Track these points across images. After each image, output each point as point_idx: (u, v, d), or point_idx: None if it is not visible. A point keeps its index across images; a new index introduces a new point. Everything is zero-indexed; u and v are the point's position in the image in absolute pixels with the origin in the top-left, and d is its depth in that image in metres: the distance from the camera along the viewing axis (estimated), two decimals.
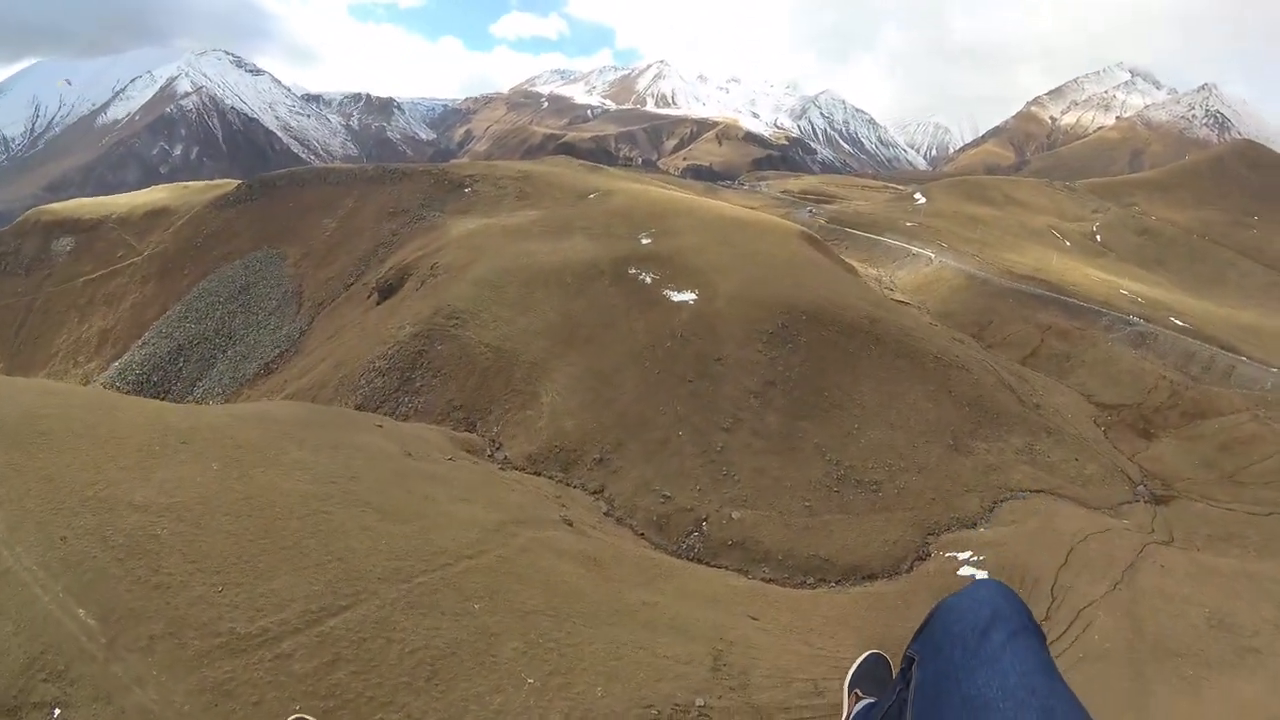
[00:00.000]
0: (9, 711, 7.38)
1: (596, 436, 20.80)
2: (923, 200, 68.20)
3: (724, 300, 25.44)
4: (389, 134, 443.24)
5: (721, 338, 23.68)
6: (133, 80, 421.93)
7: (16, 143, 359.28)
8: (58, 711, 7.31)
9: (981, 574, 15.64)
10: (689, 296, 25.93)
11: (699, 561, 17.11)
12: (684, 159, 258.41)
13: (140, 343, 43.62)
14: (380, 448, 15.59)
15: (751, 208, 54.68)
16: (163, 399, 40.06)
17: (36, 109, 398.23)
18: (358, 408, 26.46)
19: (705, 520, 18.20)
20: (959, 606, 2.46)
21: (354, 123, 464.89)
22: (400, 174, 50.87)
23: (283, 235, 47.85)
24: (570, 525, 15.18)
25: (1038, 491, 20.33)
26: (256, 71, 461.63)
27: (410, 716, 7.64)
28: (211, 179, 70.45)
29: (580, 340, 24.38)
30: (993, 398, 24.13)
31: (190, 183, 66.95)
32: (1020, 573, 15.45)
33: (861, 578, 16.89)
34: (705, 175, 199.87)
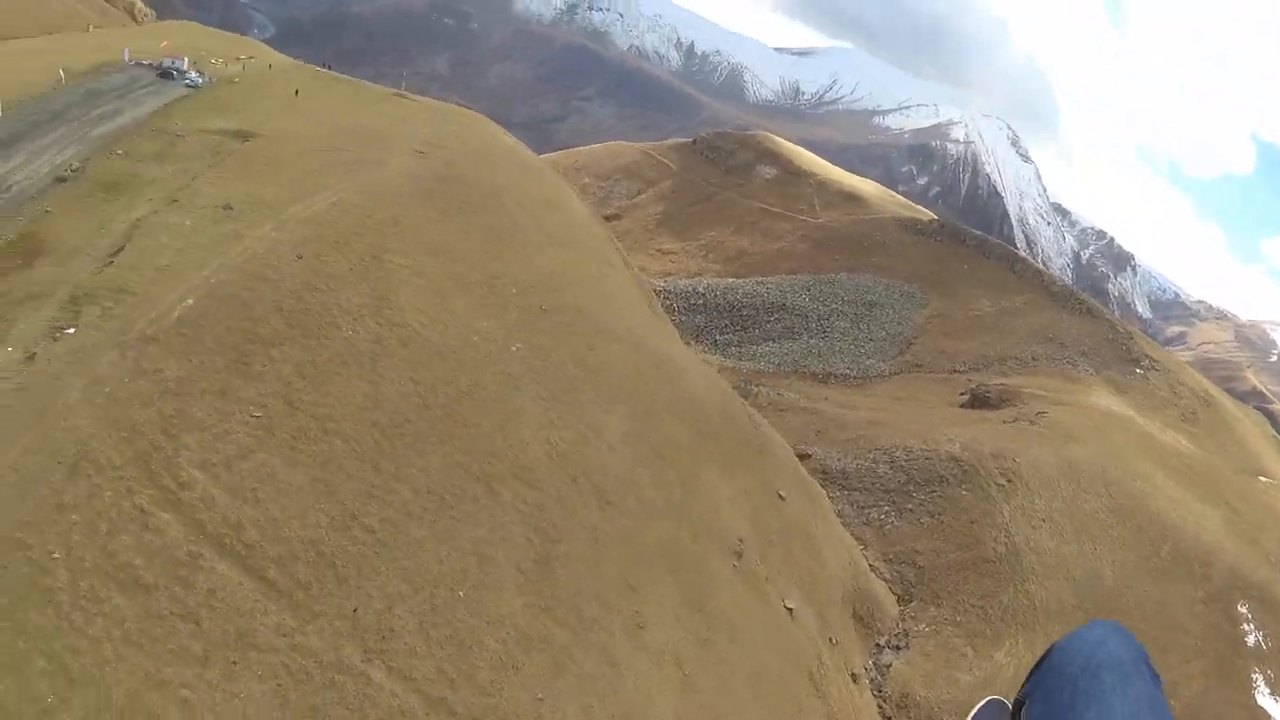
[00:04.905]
0: None
1: None
2: None
3: None
4: (1108, 286, 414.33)
5: None
6: (918, 105, 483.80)
7: (787, 99, 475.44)
8: None
9: None
10: None
11: None
12: None
13: (757, 280, 46.38)
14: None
15: None
16: (714, 335, 42.99)
17: (833, 83, 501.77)
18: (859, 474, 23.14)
19: None
20: (1070, 648, 2.35)
21: (1084, 255, 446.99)
22: (1088, 310, 44.88)
23: (935, 283, 45.78)
24: None
25: None
26: (1026, 158, 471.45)
27: None
28: (938, 217, 75.35)
29: None
30: None
31: (898, 195, 70.50)
32: None
33: None
34: None
